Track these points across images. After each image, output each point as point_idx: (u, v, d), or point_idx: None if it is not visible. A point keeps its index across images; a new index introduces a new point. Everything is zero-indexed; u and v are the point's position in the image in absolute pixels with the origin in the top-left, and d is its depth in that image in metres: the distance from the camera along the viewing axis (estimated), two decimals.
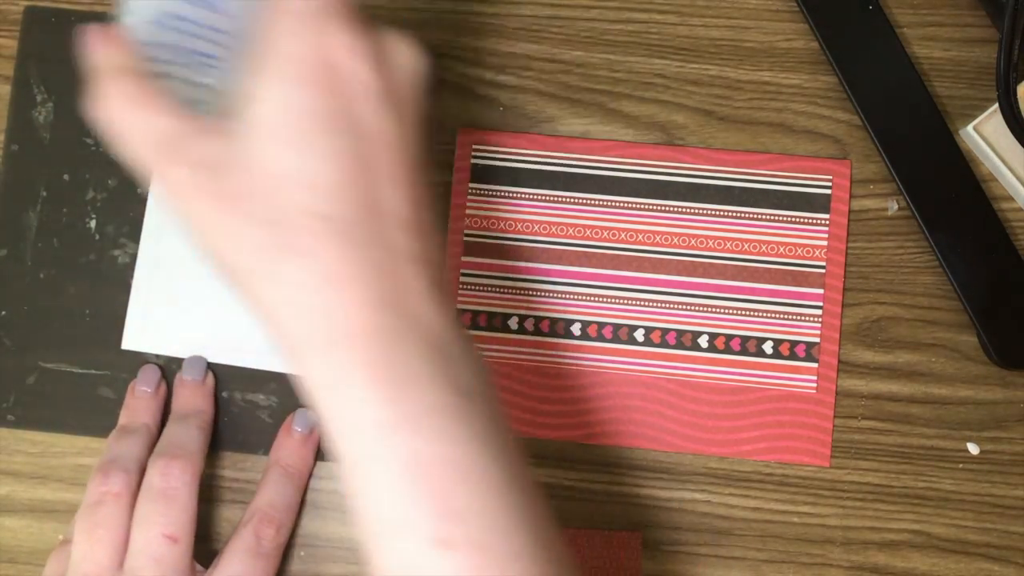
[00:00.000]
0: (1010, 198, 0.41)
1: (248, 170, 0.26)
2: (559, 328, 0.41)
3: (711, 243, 0.41)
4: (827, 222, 0.41)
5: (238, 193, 0.26)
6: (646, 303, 0.41)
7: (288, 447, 0.39)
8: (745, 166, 0.41)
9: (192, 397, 0.39)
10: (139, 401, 0.39)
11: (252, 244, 0.26)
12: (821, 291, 0.41)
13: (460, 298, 0.41)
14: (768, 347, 0.40)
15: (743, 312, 0.41)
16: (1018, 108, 0.38)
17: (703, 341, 0.41)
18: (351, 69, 0.27)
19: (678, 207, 0.41)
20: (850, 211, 0.41)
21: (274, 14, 0.27)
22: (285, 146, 0.26)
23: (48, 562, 0.37)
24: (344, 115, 0.26)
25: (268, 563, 0.36)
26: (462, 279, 0.41)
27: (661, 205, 0.41)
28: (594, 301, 0.41)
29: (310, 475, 0.40)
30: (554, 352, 0.40)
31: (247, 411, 0.40)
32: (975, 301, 0.39)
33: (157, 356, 0.40)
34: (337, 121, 0.26)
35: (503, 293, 0.41)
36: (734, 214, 0.41)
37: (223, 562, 0.36)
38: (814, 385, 0.40)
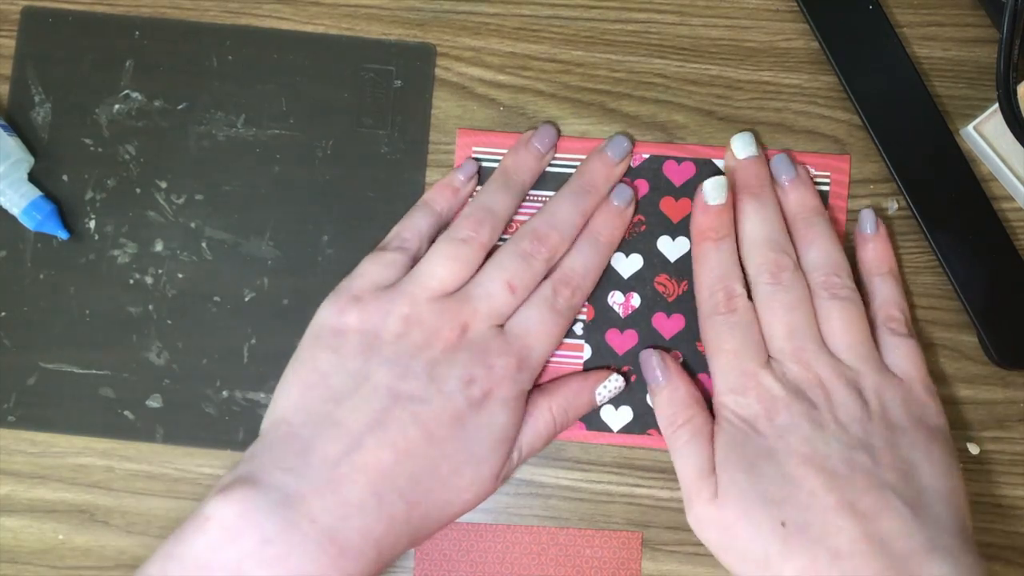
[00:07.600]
0: (1010, 198, 0.41)
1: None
2: None
3: None
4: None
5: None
6: None
7: (604, 213, 0.39)
8: None
9: (608, 173, 0.40)
10: (526, 159, 0.40)
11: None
12: None
13: None
14: None
15: None
16: (1018, 108, 0.38)
17: None
18: None
19: None
20: (849, 210, 0.41)
21: None
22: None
23: (364, 264, 0.38)
24: None
25: (561, 320, 0.37)
26: None
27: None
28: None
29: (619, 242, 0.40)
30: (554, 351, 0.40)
31: (247, 410, 0.40)
32: (975, 301, 0.39)
33: None
34: None
35: None
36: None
37: (522, 307, 0.37)
38: None
